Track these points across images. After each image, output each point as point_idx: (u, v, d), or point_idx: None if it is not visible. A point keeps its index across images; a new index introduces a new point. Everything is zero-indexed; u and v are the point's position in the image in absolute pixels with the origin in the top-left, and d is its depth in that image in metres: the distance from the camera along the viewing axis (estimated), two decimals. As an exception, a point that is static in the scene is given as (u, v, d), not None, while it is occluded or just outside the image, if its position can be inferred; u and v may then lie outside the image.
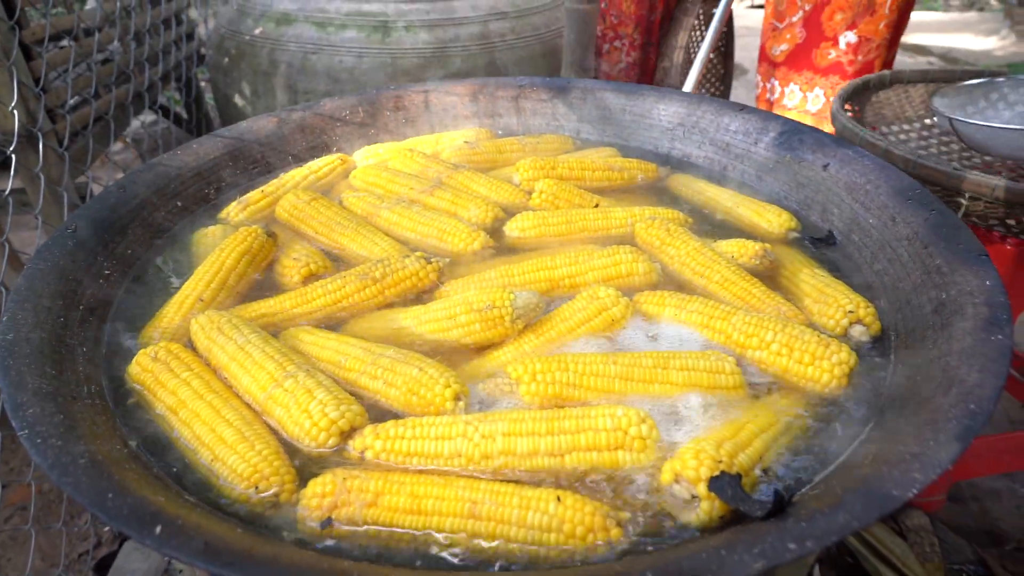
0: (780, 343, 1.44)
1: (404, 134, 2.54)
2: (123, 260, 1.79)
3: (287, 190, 2.11)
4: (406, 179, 2.13)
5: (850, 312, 1.55)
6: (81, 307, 1.57)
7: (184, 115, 5.33)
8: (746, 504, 1.09)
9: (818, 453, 1.27)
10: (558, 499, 1.14)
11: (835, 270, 1.81)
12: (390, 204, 1.99)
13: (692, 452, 1.19)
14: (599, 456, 1.23)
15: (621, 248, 1.73)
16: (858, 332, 1.54)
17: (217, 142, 2.20)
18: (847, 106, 2.80)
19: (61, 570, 2.87)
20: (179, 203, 2.03)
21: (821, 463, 1.24)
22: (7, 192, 2.65)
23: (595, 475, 1.24)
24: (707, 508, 1.14)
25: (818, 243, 1.92)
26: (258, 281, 1.82)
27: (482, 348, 1.56)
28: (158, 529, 0.97)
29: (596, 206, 2.03)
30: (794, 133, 2.17)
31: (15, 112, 2.68)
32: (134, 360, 1.46)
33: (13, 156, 2.65)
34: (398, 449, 1.26)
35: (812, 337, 1.44)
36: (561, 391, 1.36)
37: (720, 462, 1.17)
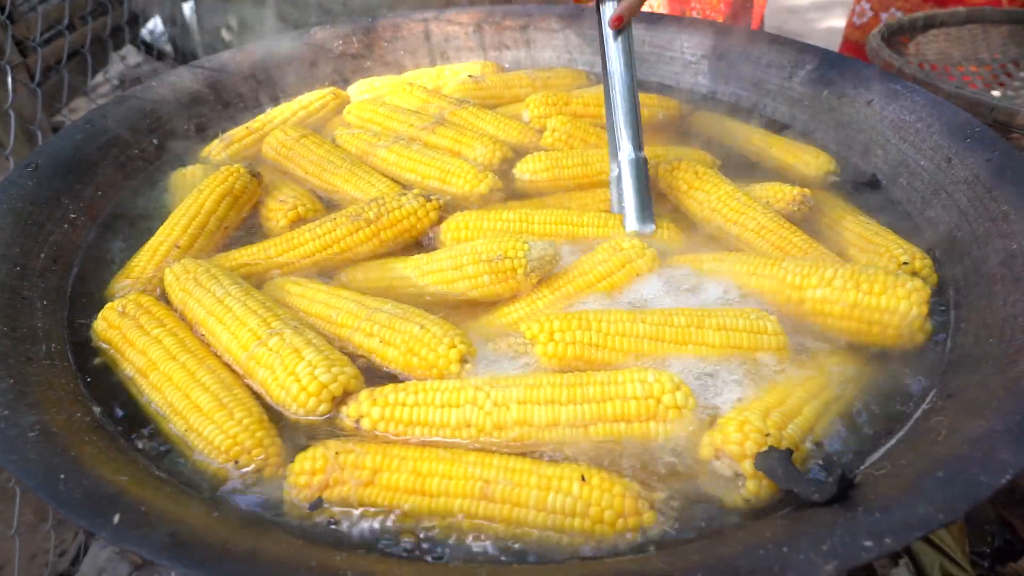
0: (844, 277, 1.26)
1: (403, 67, 2.33)
2: (92, 203, 1.60)
3: (275, 126, 1.91)
4: (405, 115, 1.93)
5: (904, 263, 1.38)
6: (42, 255, 1.40)
7: (170, 51, 5.04)
8: (801, 486, 0.94)
9: (877, 422, 1.12)
10: (583, 478, 1.00)
11: (879, 218, 1.64)
12: (387, 142, 1.80)
13: (735, 423, 1.03)
14: (628, 427, 1.08)
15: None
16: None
17: (196, 74, 1.99)
18: (903, 39, 2.57)
19: (51, 525, 2.77)
20: (155, 140, 1.83)
21: (883, 434, 1.09)
22: (-27, 130, 2.45)
23: (624, 449, 1.09)
24: (754, 488, 0.99)
25: (861, 187, 1.74)
26: (242, 226, 1.64)
27: (490, 304, 1.40)
28: (116, 518, 0.82)
29: (615, 145, 1.84)
30: (833, 66, 1.96)
31: (-22, 43, 2.46)
32: (100, 315, 1.29)
33: (-21, 91, 2.43)
34: (398, 417, 1.11)
35: (877, 270, 1.27)
36: (582, 352, 1.19)
37: (767, 435, 1.02)
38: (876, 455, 1.04)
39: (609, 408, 1.08)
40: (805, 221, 1.60)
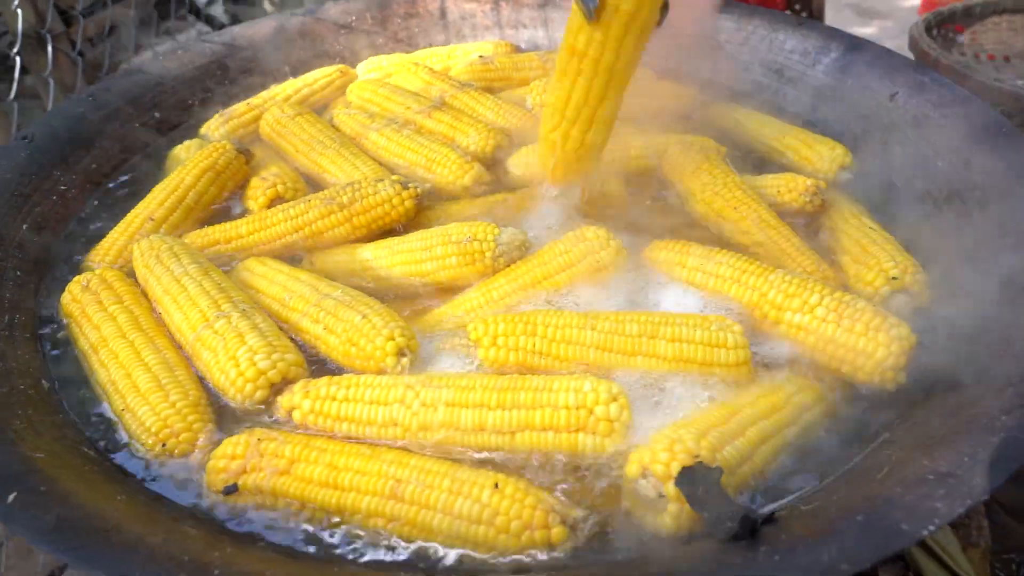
0: (828, 307, 1.17)
1: (416, 44, 2.29)
2: (86, 175, 1.65)
3: (276, 103, 1.91)
4: (405, 97, 1.90)
5: (893, 278, 1.27)
6: (24, 226, 1.44)
7: (227, 22, 5.14)
8: (713, 513, 0.87)
9: (828, 452, 1.04)
10: (496, 486, 0.96)
11: (891, 222, 1.52)
12: (380, 125, 1.77)
13: (666, 441, 0.97)
14: (556, 438, 1.04)
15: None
16: (901, 303, 1.26)
17: (204, 48, 2.01)
18: (957, 27, 2.37)
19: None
20: (157, 115, 1.86)
21: (829, 466, 1.02)
22: (12, 97, 2.54)
23: (552, 461, 1.05)
24: (675, 512, 0.93)
25: (872, 189, 1.61)
26: (228, 205, 1.65)
27: (458, 288, 1.37)
28: (12, 497, 0.84)
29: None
30: (860, 54, 1.82)
31: (19, 11, 2.54)
32: (67, 288, 1.33)
33: (18, 59, 2.53)
34: (327, 411, 1.09)
35: (866, 306, 1.17)
36: (525, 359, 1.15)
37: (697, 456, 0.96)
38: (811, 489, 0.96)
39: (538, 416, 1.04)
40: (810, 219, 1.51)
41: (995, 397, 0.93)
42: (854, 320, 1.15)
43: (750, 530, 0.81)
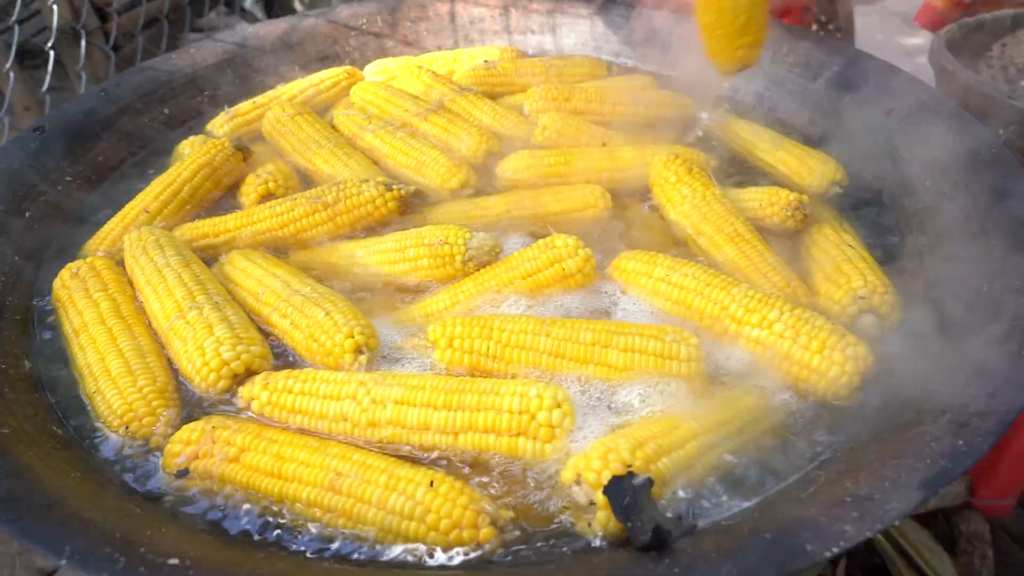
0: (786, 324, 1.17)
1: (425, 48, 2.33)
2: (93, 167, 1.72)
3: (278, 103, 1.97)
4: (404, 100, 1.94)
5: (861, 297, 1.26)
6: (28, 214, 1.52)
7: (262, 17, 5.27)
8: (634, 521, 0.88)
9: (767, 468, 1.04)
10: (431, 483, 0.98)
11: (876, 242, 1.50)
12: (376, 127, 1.82)
13: (601, 449, 0.99)
14: (497, 441, 1.06)
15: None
16: (868, 323, 1.25)
17: (216, 47, 2.08)
18: (987, 39, 2.31)
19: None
20: (166, 111, 1.94)
21: (765, 482, 1.02)
22: (44, 89, 2.66)
23: (493, 462, 1.07)
24: (603, 520, 0.94)
25: (860, 206, 1.59)
26: (223, 200, 1.71)
27: (432, 289, 1.41)
28: (-33, 468, 0.90)
29: (604, 145, 1.78)
30: (861, 69, 1.80)
31: (55, 6, 2.66)
32: (59, 275, 1.39)
33: (51, 52, 2.64)
34: (282, 403, 1.13)
35: (825, 324, 1.17)
36: (478, 362, 1.18)
37: (630, 466, 0.97)
38: (741, 504, 0.96)
39: (481, 419, 1.06)
40: (792, 234, 1.50)
41: (932, 423, 0.92)
42: (811, 337, 1.15)
43: (660, 541, 0.82)
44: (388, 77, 2.16)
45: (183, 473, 1.05)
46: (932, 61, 2.23)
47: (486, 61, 2.15)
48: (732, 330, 1.23)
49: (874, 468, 0.87)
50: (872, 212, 1.58)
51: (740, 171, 1.77)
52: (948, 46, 2.19)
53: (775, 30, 2.01)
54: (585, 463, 0.98)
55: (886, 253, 1.45)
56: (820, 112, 1.85)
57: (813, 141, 1.81)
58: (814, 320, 1.17)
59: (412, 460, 1.07)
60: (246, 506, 1.03)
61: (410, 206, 1.57)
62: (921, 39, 5.25)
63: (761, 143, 1.79)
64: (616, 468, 0.96)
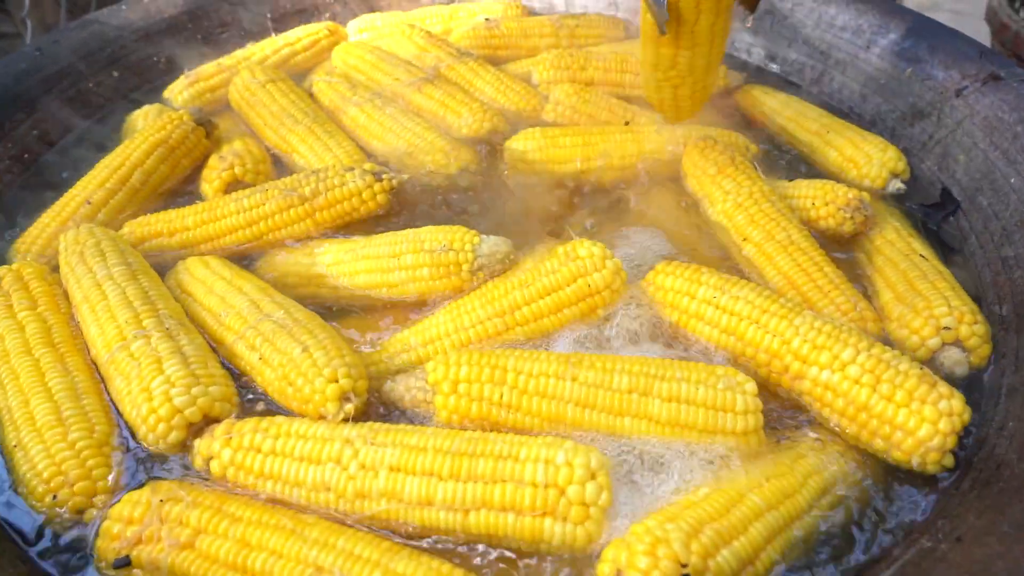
0: (863, 367, 0.96)
1: (416, 0, 2.04)
2: (24, 144, 1.46)
3: (248, 66, 1.69)
4: (395, 65, 1.67)
5: (945, 328, 1.05)
6: (-58, 205, 1.27)
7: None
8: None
9: (854, 552, 0.85)
10: (438, 586, 0.78)
11: (945, 247, 1.29)
12: (362, 99, 1.55)
13: (648, 541, 0.79)
14: (517, 522, 0.85)
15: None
16: (951, 359, 1.04)
17: (175, -3, 1.78)
18: None
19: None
20: (115, 74, 1.66)
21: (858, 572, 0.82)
22: (-17, 39, 2.36)
23: (510, 546, 0.87)
24: (652, 637, 0.75)
25: (930, 212, 1.37)
26: (183, 186, 1.46)
27: (434, 303, 1.18)
28: None
29: (627, 123, 1.53)
30: (924, 38, 1.55)
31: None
32: (-22, 285, 1.15)
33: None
34: (249, 466, 0.92)
35: (911, 369, 0.95)
36: (489, 412, 0.96)
37: (685, 566, 0.77)
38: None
39: (497, 493, 0.85)
40: (848, 239, 1.29)
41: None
42: (895, 386, 0.94)
43: None
44: (375, 36, 1.88)
45: (123, 562, 0.84)
46: (989, 19, 1.98)
47: (487, 19, 1.88)
48: (794, 369, 1.02)
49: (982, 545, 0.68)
50: (937, 214, 1.36)
51: (779, 155, 1.54)
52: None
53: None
54: (628, 556, 0.78)
55: (960, 266, 1.24)
56: (874, 87, 1.60)
57: (866, 122, 1.58)
58: (898, 363, 0.96)
59: (413, 543, 0.87)
60: (203, 603, 0.82)
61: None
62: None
63: (807, 123, 1.55)
64: (667, 568, 0.76)
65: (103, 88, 1.63)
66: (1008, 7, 1.92)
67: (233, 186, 1.38)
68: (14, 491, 0.93)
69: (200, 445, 0.95)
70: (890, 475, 0.95)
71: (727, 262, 1.27)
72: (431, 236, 1.18)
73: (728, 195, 1.31)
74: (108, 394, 1.02)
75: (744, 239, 1.25)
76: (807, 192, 1.33)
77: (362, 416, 0.98)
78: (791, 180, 1.39)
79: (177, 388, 0.96)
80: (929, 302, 1.09)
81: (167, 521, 0.86)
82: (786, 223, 1.24)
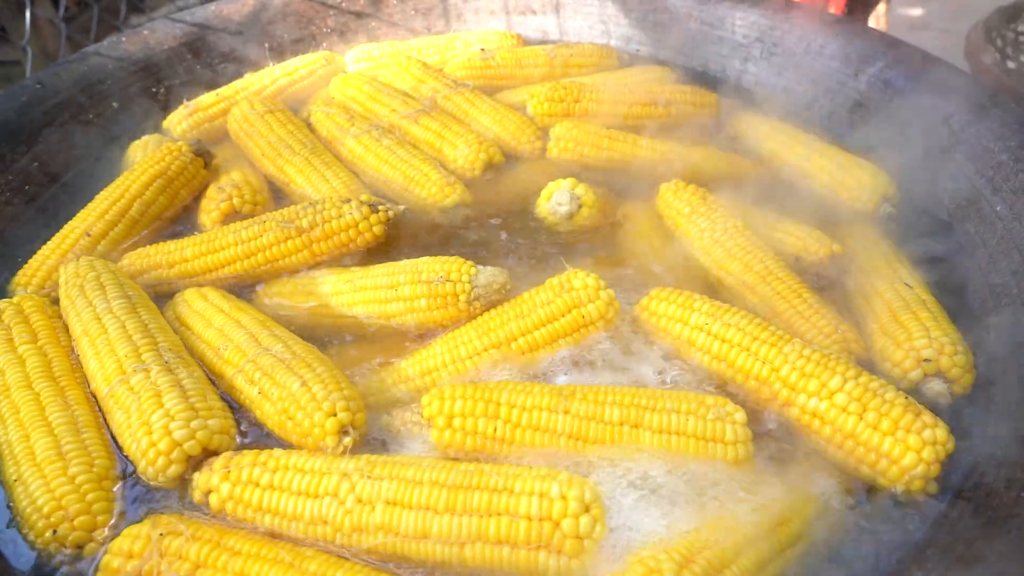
0: (850, 395, 0.98)
1: (413, 29, 2.08)
2: (26, 176, 1.47)
3: (247, 96, 1.72)
4: (392, 96, 1.69)
5: (926, 360, 1.06)
6: (-57, 238, 1.28)
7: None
8: None
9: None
10: (434, 621, 0.79)
11: (933, 278, 1.30)
12: (359, 130, 1.58)
13: (640, 571, 0.80)
14: (512, 554, 0.86)
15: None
16: (934, 391, 1.06)
17: (175, 29, 1.81)
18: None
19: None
20: (115, 105, 1.68)
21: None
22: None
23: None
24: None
25: (910, 229, 1.40)
26: (181, 217, 1.48)
27: (431, 332, 1.20)
28: None
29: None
30: (911, 67, 1.58)
31: (-6, -26, 2.37)
32: (-22, 319, 1.16)
33: (-9, 26, 2.35)
34: (247, 500, 0.93)
35: (897, 398, 0.98)
36: (483, 445, 0.97)
37: (680, 600, 0.78)
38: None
39: (493, 526, 0.86)
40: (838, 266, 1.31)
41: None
42: (881, 414, 0.96)
43: None
44: (372, 67, 1.91)
45: (123, 598, 0.85)
46: (969, 56, 2.02)
47: (483, 50, 1.91)
48: (783, 396, 1.03)
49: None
50: (925, 240, 1.38)
51: (772, 180, 1.56)
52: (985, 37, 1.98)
53: (806, 15, 1.80)
54: (622, 589, 0.79)
55: (948, 292, 1.25)
56: (863, 114, 1.64)
57: (855, 148, 1.60)
58: (884, 392, 0.98)
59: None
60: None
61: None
62: (920, 10, 4.99)
63: (796, 149, 1.58)
64: (663, 601, 0.77)
65: (103, 120, 1.65)
66: (986, 41, 1.95)
67: (231, 217, 1.40)
68: (15, 526, 0.93)
69: (199, 479, 0.96)
70: (881, 502, 0.96)
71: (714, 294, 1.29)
72: (428, 267, 1.19)
73: (703, 232, 1.33)
74: (108, 428, 1.03)
75: (724, 271, 1.27)
76: (782, 236, 1.36)
77: (361, 444, 0.99)
78: (782, 207, 1.42)
79: (176, 422, 0.97)
80: (910, 334, 1.10)
81: (167, 555, 0.86)
82: (762, 255, 1.26)
